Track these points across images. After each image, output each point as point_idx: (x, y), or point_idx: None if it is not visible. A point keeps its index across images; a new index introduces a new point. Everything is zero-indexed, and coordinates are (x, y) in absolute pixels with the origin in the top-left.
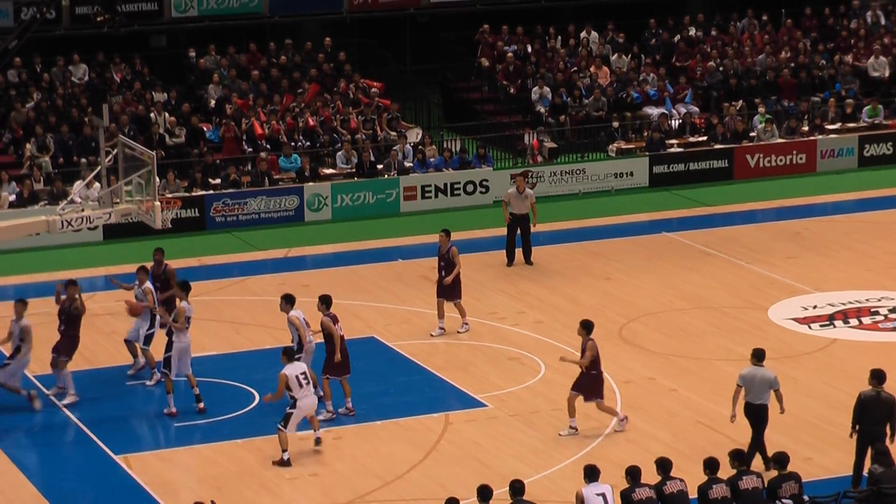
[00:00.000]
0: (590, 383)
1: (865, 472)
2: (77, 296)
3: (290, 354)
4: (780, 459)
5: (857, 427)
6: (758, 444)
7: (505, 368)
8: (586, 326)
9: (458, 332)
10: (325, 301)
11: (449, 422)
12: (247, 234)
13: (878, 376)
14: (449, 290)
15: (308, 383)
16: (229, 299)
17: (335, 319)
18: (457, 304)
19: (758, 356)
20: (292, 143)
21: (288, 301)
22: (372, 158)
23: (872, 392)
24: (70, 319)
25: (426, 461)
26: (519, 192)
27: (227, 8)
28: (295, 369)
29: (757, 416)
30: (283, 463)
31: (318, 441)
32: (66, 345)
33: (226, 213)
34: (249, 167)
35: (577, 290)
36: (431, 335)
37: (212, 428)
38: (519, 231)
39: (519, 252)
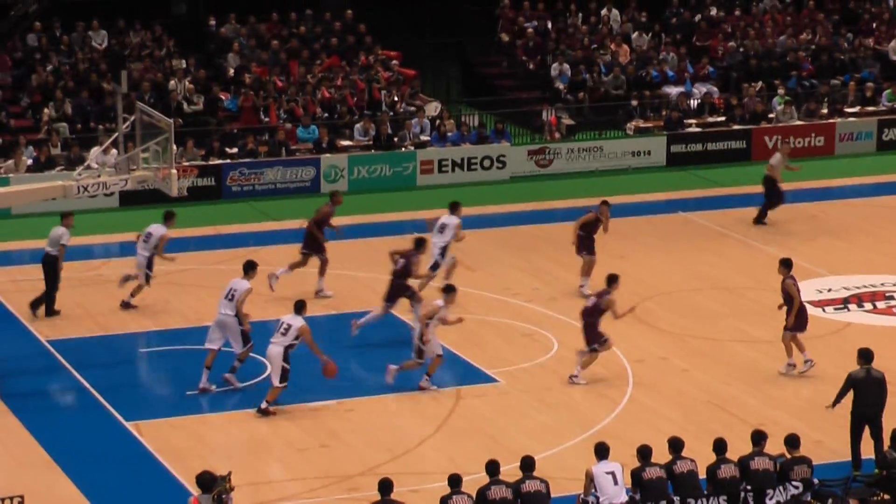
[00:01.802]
0: (800, 318)
1: (864, 456)
2: None
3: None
4: (793, 441)
5: (838, 404)
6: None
7: (518, 344)
8: (786, 264)
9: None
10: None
11: (460, 396)
12: (263, 204)
13: (864, 355)
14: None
15: None
16: None
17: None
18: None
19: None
20: (311, 114)
21: None
22: (390, 131)
23: (862, 372)
24: None
25: (437, 435)
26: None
27: None
28: None
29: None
30: None
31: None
32: None
33: (242, 182)
34: (267, 137)
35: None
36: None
37: (223, 396)
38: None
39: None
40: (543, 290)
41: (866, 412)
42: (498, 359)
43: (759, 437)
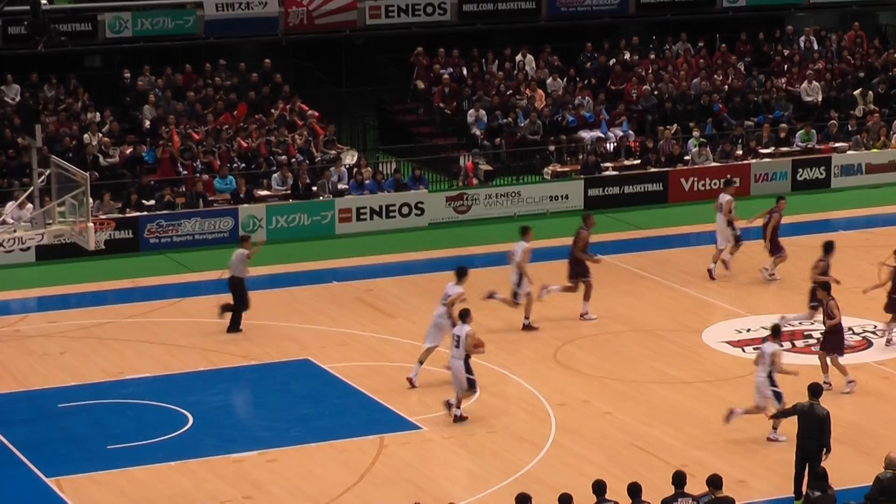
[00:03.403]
0: (834, 340)
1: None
2: None
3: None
4: (716, 482)
5: (777, 420)
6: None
7: (440, 391)
8: (825, 287)
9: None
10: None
11: (384, 444)
12: (181, 256)
13: (812, 390)
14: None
15: None
16: (164, 321)
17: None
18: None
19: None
20: (227, 165)
21: None
22: (308, 181)
23: (807, 404)
24: None
25: (361, 483)
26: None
27: (161, 29)
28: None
29: None
30: None
31: None
32: None
33: (160, 234)
34: (184, 188)
35: (512, 312)
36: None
37: (145, 450)
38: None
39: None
40: None
41: (805, 444)
42: (421, 405)
43: (680, 479)
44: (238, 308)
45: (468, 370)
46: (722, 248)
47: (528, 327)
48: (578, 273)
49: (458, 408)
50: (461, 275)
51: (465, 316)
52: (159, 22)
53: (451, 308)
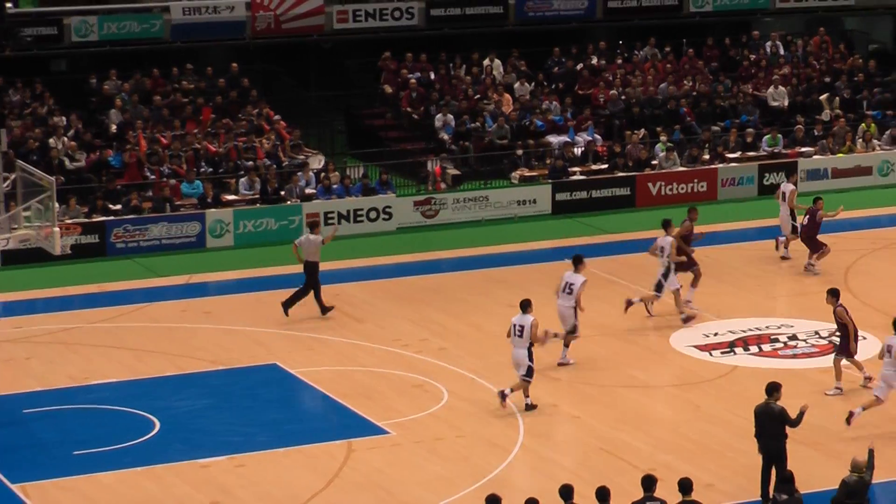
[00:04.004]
0: (844, 344)
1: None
2: None
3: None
4: (685, 486)
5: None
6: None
7: (409, 395)
8: (833, 293)
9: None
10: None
11: (352, 449)
12: (148, 261)
13: (767, 389)
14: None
15: None
16: (131, 326)
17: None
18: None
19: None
20: (195, 169)
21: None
22: (276, 185)
23: (762, 404)
24: None
25: (329, 489)
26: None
27: (128, 32)
28: None
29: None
30: None
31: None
32: None
33: (127, 239)
34: (151, 193)
35: (480, 317)
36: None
37: (112, 456)
38: None
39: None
40: (433, 340)
41: (767, 444)
42: (389, 410)
43: (649, 483)
44: (305, 291)
45: (530, 358)
46: (785, 236)
47: (687, 320)
48: (683, 263)
49: (527, 396)
50: (578, 262)
51: (526, 306)
52: (126, 26)
53: (579, 298)
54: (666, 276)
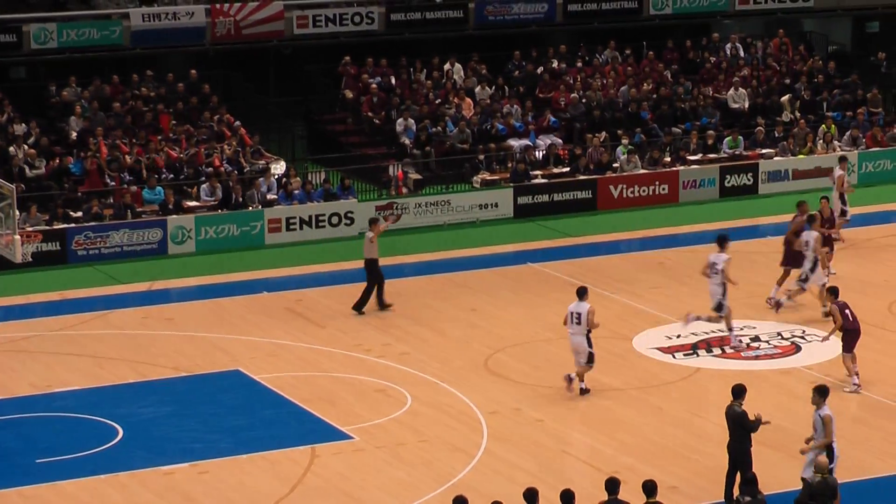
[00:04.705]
0: (848, 341)
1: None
2: None
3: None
4: (649, 488)
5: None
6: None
7: (371, 400)
8: (832, 292)
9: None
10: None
11: (315, 454)
12: (109, 268)
13: (732, 391)
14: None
15: None
16: (92, 333)
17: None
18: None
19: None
20: (155, 176)
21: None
22: (240, 191)
23: (728, 406)
24: None
25: (292, 494)
26: None
27: (87, 39)
28: None
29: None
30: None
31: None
32: None
33: (88, 246)
34: (112, 200)
35: (442, 321)
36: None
37: (74, 464)
38: None
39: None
40: (395, 345)
41: (730, 446)
42: (352, 415)
43: (613, 485)
44: (370, 288)
45: (589, 344)
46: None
47: (827, 314)
48: (791, 260)
49: (582, 381)
50: (723, 242)
51: (583, 294)
52: (85, 33)
53: (727, 275)
54: (813, 269)
